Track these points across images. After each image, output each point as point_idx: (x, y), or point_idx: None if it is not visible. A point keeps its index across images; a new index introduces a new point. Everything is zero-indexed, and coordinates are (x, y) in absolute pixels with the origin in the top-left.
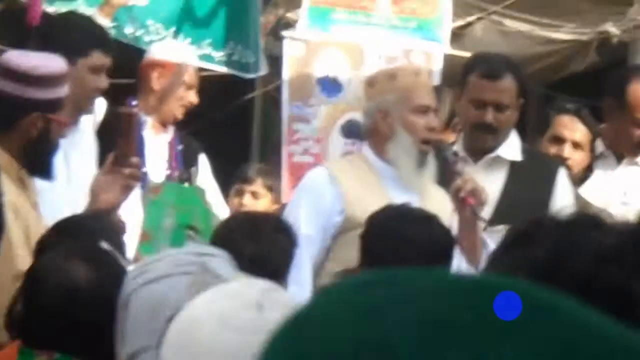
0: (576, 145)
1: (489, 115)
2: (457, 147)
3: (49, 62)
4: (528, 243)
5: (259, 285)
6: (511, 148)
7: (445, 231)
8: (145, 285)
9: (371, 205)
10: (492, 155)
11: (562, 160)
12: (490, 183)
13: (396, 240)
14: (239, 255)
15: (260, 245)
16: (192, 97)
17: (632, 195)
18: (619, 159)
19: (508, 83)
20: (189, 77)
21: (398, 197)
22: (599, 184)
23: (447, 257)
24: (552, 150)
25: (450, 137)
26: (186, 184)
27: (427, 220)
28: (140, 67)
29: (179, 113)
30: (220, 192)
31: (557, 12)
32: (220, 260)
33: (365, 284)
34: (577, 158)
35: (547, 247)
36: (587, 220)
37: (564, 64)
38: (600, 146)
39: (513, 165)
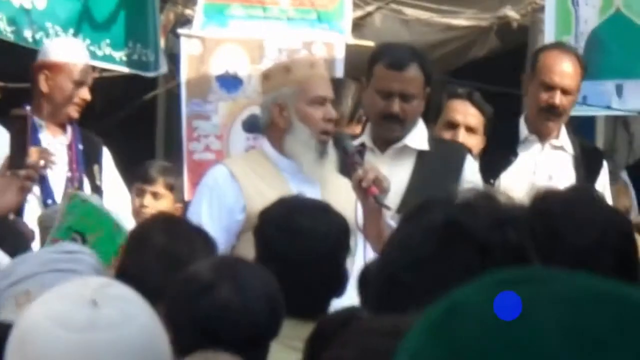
0: (470, 129)
1: (396, 106)
2: (365, 138)
3: None
4: (424, 214)
5: (93, 283)
6: (418, 137)
7: (341, 220)
8: (10, 288)
9: (273, 200)
10: (399, 145)
11: (467, 147)
12: (398, 172)
13: (290, 232)
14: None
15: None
16: (84, 94)
17: (558, 179)
18: (542, 142)
19: (414, 73)
20: (78, 74)
21: (300, 190)
22: (524, 168)
23: (344, 247)
24: (447, 135)
25: (356, 129)
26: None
27: (322, 210)
28: (30, 70)
29: (74, 112)
30: (123, 185)
31: None
32: (85, 257)
33: (510, 281)
34: (471, 142)
35: (444, 213)
36: (481, 193)
37: (465, 50)
38: (524, 130)
39: (420, 154)
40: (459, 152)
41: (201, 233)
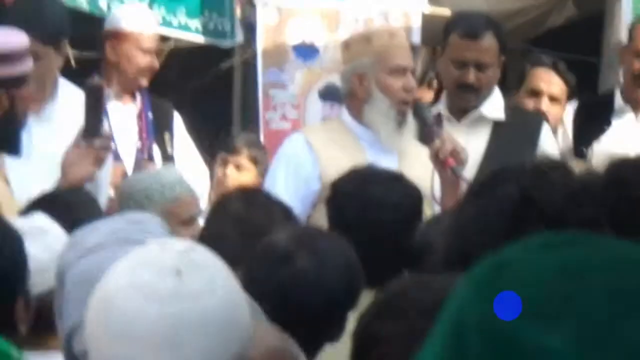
0: (553, 98)
1: (471, 75)
2: (441, 107)
3: (9, 38)
4: (496, 186)
5: (175, 248)
6: (494, 106)
7: (414, 190)
8: (80, 258)
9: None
10: (475, 114)
11: (544, 116)
12: (474, 142)
13: (362, 202)
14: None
15: (250, 207)
16: (152, 62)
17: None
18: (637, 112)
19: (488, 42)
20: (146, 42)
21: (377, 160)
22: (617, 138)
23: (416, 218)
24: (530, 103)
25: (426, 94)
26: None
27: (394, 180)
28: (97, 39)
29: (143, 81)
30: (196, 151)
31: None
32: (154, 226)
33: (557, 243)
34: (554, 111)
35: (518, 187)
36: (553, 165)
37: (542, 18)
38: (619, 100)
39: (496, 123)
40: (536, 121)
41: (279, 204)
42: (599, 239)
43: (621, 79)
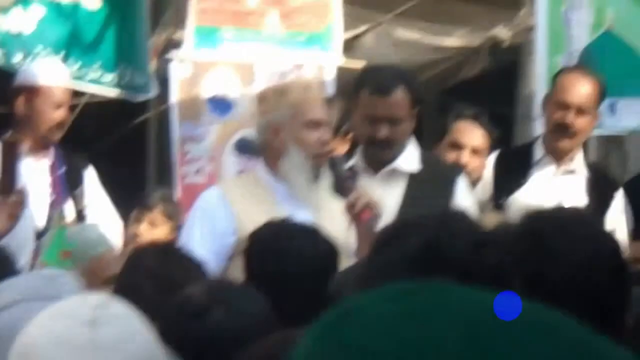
0: (475, 151)
1: (382, 131)
2: (356, 160)
3: None
4: (402, 237)
5: (92, 301)
6: (409, 159)
7: (329, 244)
8: None
9: (257, 222)
10: (390, 167)
11: (460, 167)
12: (389, 195)
13: (278, 254)
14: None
15: (167, 265)
16: (65, 117)
17: (569, 203)
18: (557, 164)
19: (399, 96)
20: (57, 96)
21: (292, 213)
22: (536, 190)
23: (331, 270)
24: (451, 156)
25: (341, 145)
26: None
27: (309, 233)
28: (9, 94)
29: (55, 134)
30: (110, 204)
31: (447, 18)
32: (68, 281)
33: (409, 291)
34: (476, 164)
35: (422, 237)
36: (458, 216)
37: (456, 70)
38: (539, 151)
39: (412, 176)
40: (452, 173)
41: (193, 258)
42: (448, 287)
43: (540, 130)
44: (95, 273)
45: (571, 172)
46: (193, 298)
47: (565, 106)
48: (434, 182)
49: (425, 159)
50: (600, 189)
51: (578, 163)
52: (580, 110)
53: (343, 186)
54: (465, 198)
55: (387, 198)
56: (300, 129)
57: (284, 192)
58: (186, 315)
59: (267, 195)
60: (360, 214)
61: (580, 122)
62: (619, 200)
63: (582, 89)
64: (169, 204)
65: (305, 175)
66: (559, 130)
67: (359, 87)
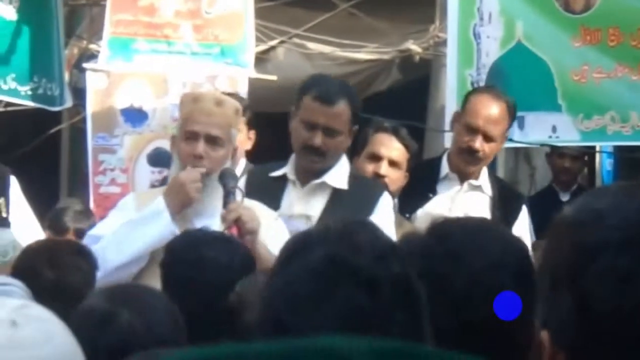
0: (393, 163)
1: (318, 139)
2: (288, 169)
3: None
4: (304, 251)
5: (11, 304)
6: (338, 175)
7: (246, 251)
8: None
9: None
10: (318, 181)
11: (384, 185)
12: (312, 208)
13: (196, 264)
14: (39, 282)
15: (59, 271)
16: None
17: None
18: (462, 181)
19: (341, 108)
20: None
21: (200, 224)
22: (440, 206)
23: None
24: (369, 167)
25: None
26: None
27: (226, 241)
28: None
29: None
30: (32, 214)
31: (358, 32)
32: (13, 289)
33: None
34: (393, 176)
35: (325, 249)
36: (361, 226)
37: (367, 83)
38: (445, 168)
39: (335, 191)
40: (375, 189)
41: (85, 255)
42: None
43: (447, 145)
44: None
45: (477, 187)
46: (95, 307)
47: (473, 131)
48: (357, 197)
49: (354, 176)
50: (505, 203)
51: (483, 179)
52: (487, 137)
53: (225, 199)
54: (386, 214)
55: (310, 211)
56: (181, 140)
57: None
58: (92, 324)
59: None
60: (230, 228)
61: (487, 148)
62: (523, 215)
63: (491, 112)
64: (83, 221)
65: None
66: (466, 154)
67: (303, 92)
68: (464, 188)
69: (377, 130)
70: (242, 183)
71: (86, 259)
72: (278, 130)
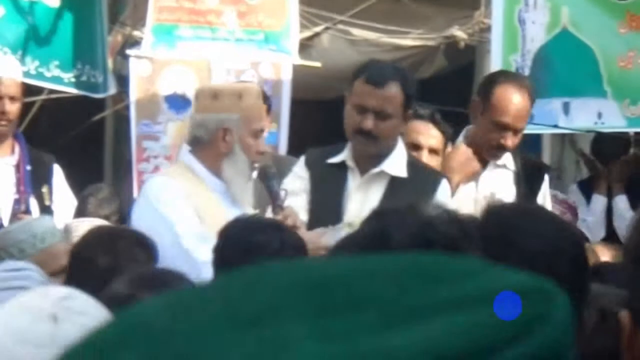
0: (432, 151)
1: (369, 122)
2: (346, 156)
3: None
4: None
5: (53, 295)
6: (396, 163)
7: (297, 238)
8: None
9: (209, 216)
10: (376, 170)
11: (442, 173)
12: (370, 198)
13: (249, 249)
14: (93, 269)
15: (114, 260)
16: (9, 108)
17: (499, 195)
18: (482, 163)
19: (392, 91)
20: (7, 88)
21: (229, 210)
22: (467, 186)
23: None
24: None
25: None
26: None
27: (279, 228)
28: None
29: (9, 128)
30: (75, 201)
31: (403, 18)
32: (31, 274)
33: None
34: (434, 164)
35: (371, 228)
36: (412, 209)
37: (412, 69)
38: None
39: (393, 179)
40: (433, 178)
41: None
42: None
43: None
44: (44, 265)
45: (501, 166)
46: (117, 291)
47: (503, 128)
48: (415, 186)
49: (412, 163)
50: (529, 175)
51: (507, 158)
52: (517, 131)
53: (273, 202)
54: (444, 201)
55: (368, 201)
56: (247, 135)
57: (220, 189)
58: (113, 307)
59: (206, 190)
60: None
61: (517, 140)
62: (545, 185)
63: (520, 107)
64: (107, 206)
65: (243, 178)
66: (496, 149)
67: (355, 76)
68: (489, 167)
69: (413, 118)
70: (300, 164)
71: (146, 250)
72: (325, 117)
